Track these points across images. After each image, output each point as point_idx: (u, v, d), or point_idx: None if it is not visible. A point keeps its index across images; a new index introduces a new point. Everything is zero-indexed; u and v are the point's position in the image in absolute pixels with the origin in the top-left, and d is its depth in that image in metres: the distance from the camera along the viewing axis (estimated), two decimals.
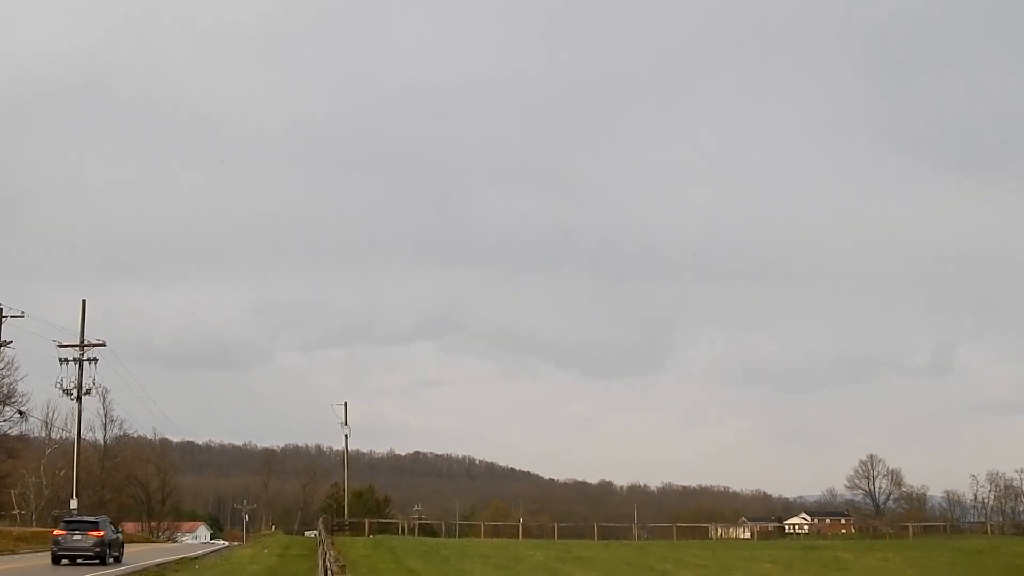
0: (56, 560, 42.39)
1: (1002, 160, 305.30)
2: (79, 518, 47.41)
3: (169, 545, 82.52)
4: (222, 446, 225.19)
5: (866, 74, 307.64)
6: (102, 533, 43.62)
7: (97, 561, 42.48)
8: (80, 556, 42.65)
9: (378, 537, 71.13)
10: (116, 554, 45.08)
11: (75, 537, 42.81)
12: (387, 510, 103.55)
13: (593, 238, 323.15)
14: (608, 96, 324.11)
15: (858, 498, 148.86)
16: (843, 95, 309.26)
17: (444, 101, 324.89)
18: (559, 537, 77.70)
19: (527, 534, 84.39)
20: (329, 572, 21.96)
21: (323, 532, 61.61)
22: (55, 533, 44.27)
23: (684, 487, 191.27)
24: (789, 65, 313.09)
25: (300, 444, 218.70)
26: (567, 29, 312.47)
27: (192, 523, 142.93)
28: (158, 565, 38.59)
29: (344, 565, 24.33)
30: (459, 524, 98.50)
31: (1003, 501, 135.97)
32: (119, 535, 48.98)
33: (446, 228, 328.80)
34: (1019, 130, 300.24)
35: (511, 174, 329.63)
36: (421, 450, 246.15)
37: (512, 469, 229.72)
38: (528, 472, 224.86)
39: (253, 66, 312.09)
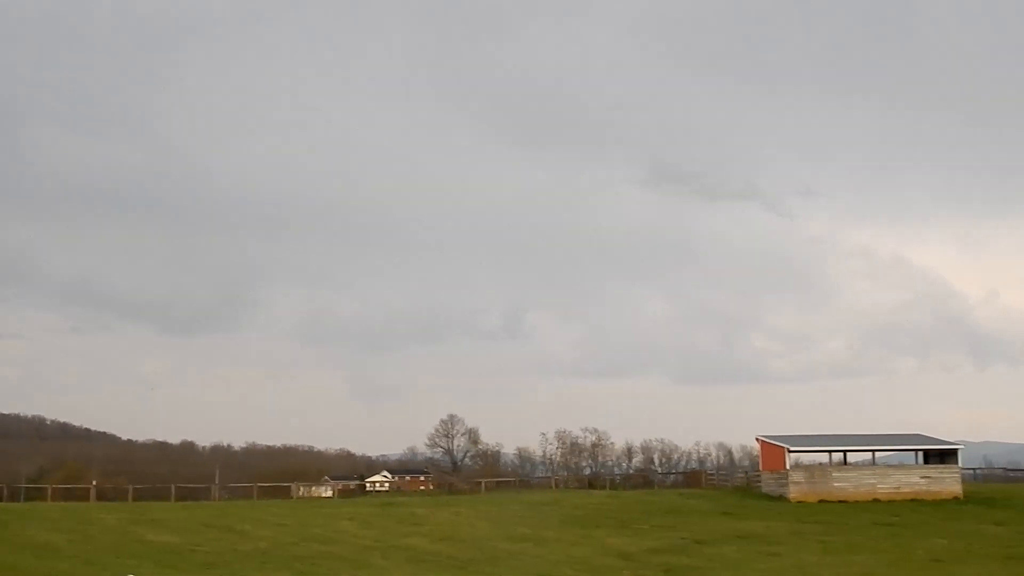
0: None
1: (563, 132, 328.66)
2: None
3: None
4: None
5: (436, 38, 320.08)
6: None
7: None
8: None
9: None
10: None
11: None
12: None
13: (170, 189, 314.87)
14: (177, 40, 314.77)
15: (438, 456, 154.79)
16: (419, 57, 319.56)
17: None
18: (135, 499, 74.79)
19: (102, 497, 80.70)
20: None
21: None
22: None
23: (269, 447, 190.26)
24: (366, 19, 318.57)
25: None
26: None
27: None
28: None
29: None
30: (25, 488, 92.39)
31: (568, 457, 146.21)
32: None
33: None
34: (576, 102, 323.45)
35: (76, 116, 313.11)
36: None
37: (87, 429, 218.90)
38: (105, 432, 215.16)
39: None
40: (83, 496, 79.23)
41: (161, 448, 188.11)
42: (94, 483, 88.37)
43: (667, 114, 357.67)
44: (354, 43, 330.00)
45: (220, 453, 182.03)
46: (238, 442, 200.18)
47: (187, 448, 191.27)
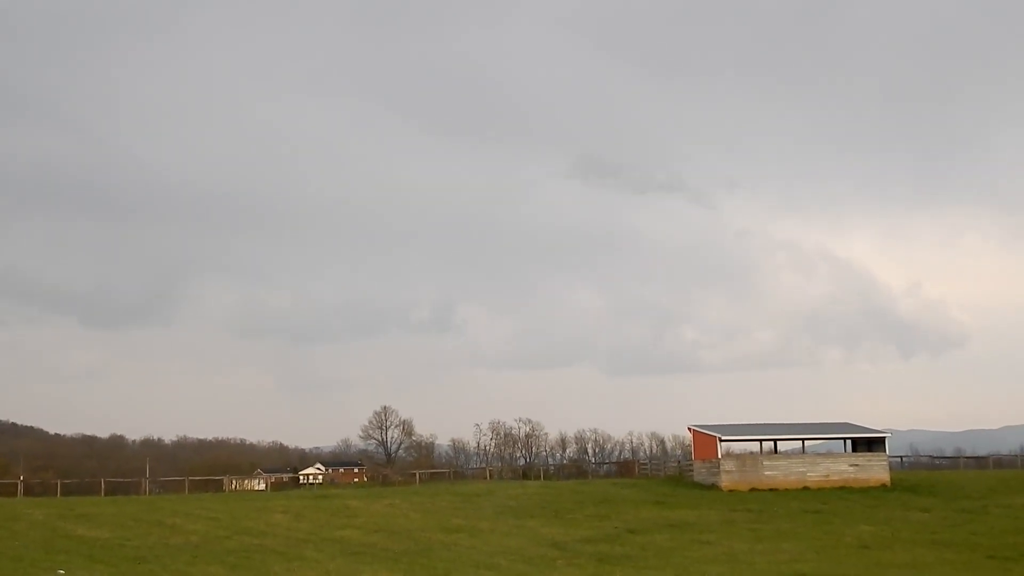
0: None
1: (494, 126, 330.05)
2: None
3: None
4: None
5: (368, 34, 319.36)
6: None
7: None
8: None
9: None
10: None
11: None
12: None
13: (100, 181, 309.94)
14: (108, 31, 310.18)
15: (371, 448, 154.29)
16: (351, 52, 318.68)
17: None
18: (63, 494, 73.67)
19: (29, 492, 79.33)
20: None
21: None
22: None
23: (200, 440, 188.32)
24: (298, 13, 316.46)
25: None
26: None
27: None
28: None
29: None
30: None
31: (502, 448, 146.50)
32: None
33: None
34: (506, 97, 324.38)
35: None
36: None
37: (13, 424, 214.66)
38: (32, 427, 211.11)
39: None
40: (10, 491, 77.81)
41: (89, 442, 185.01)
42: (21, 478, 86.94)
43: (595, 108, 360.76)
44: (285, 36, 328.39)
45: (150, 447, 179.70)
46: (169, 436, 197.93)
47: (116, 442, 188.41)
